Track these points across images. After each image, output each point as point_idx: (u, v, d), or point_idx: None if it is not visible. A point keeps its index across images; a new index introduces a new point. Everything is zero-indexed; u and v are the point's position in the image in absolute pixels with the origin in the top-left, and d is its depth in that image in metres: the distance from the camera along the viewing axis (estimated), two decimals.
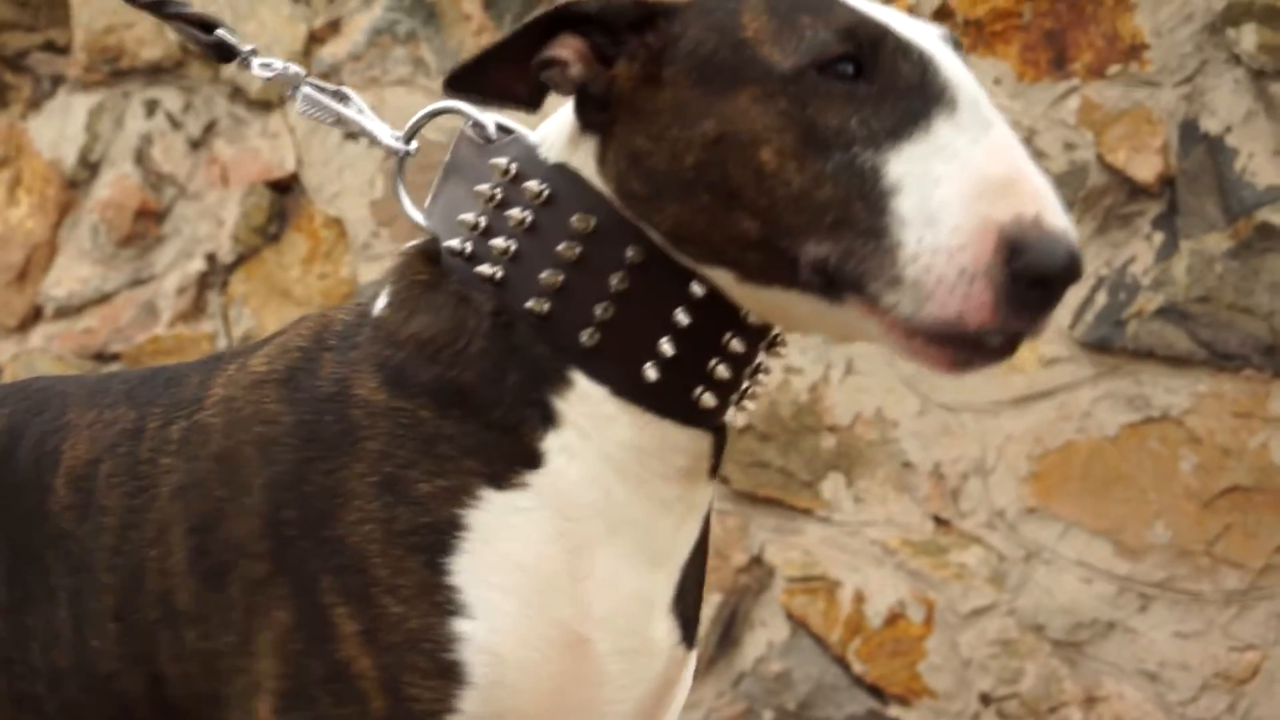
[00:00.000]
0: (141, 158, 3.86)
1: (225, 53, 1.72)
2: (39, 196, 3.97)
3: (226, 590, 1.41)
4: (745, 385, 1.46)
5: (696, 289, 1.39)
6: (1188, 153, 2.86)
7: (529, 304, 1.40)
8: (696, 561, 1.50)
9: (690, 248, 1.38)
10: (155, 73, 3.86)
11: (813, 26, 1.33)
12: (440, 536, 1.37)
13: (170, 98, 3.85)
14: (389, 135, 1.61)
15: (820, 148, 1.30)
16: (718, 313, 1.40)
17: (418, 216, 1.52)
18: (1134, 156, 2.88)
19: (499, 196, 1.43)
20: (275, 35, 3.64)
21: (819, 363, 3.10)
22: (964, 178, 1.27)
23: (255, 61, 1.70)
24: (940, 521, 3.06)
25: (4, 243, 3.99)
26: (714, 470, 1.48)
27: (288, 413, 1.43)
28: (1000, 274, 1.24)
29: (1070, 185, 2.88)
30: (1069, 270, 1.25)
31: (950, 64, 1.34)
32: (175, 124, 3.84)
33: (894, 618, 3.10)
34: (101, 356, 3.88)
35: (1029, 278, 1.24)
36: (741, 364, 1.43)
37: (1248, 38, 2.81)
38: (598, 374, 1.40)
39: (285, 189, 3.73)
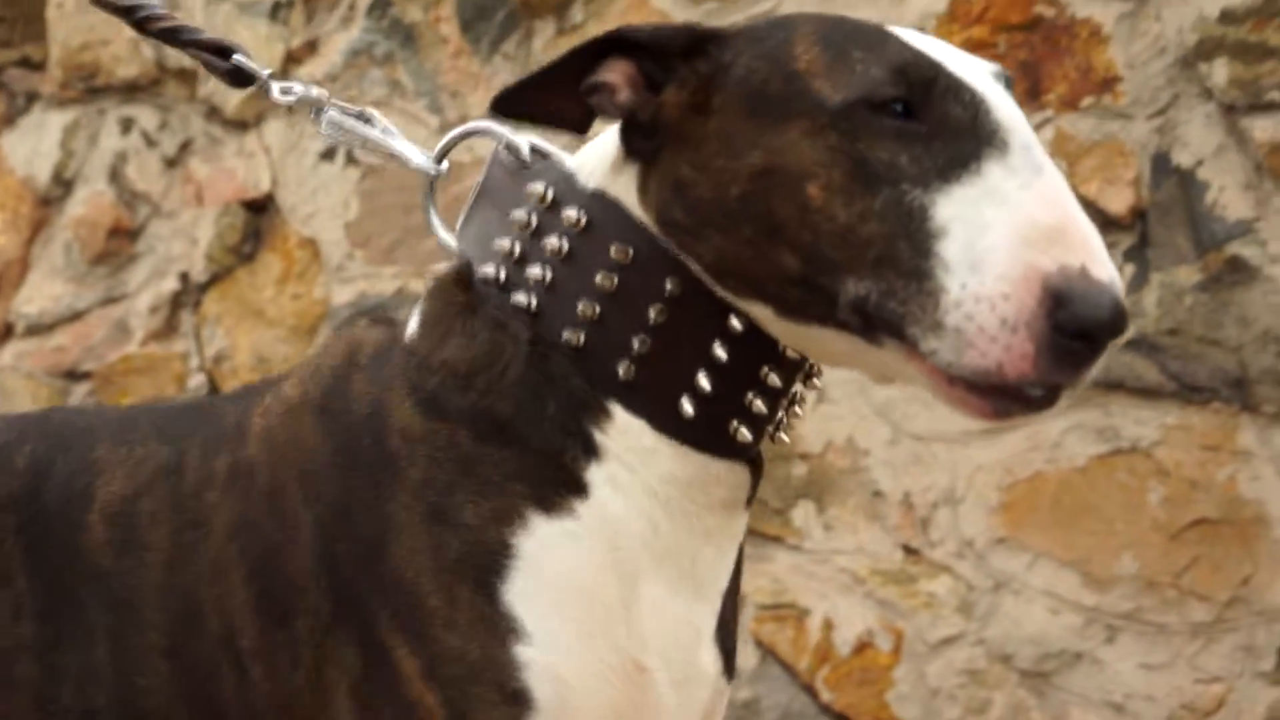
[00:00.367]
0: (116, 175, 3.86)
1: (242, 78, 1.68)
2: (12, 213, 3.97)
3: (293, 628, 1.39)
4: (781, 416, 1.44)
5: (735, 323, 1.37)
6: (1159, 185, 2.88)
7: (565, 335, 1.38)
8: (732, 590, 1.49)
9: (730, 281, 1.35)
10: (131, 90, 3.86)
11: (864, 62, 1.31)
12: (491, 559, 1.35)
13: (146, 116, 3.85)
14: (419, 156, 1.57)
15: (868, 184, 1.28)
16: (755, 346, 1.38)
17: (450, 240, 1.50)
18: (1106, 188, 2.89)
19: (535, 223, 1.41)
20: (252, 55, 3.63)
21: None
22: (1012, 224, 1.24)
23: (275, 86, 1.65)
24: (910, 550, 3.07)
25: None
26: (750, 500, 1.46)
27: (326, 442, 1.41)
28: (1043, 325, 1.21)
29: None
30: (1114, 324, 1.22)
31: (1002, 105, 1.31)
32: (150, 142, 3.83)
33: (862, 646, 3.10)
34: (73, 375, 3.88)
35: (1072, 330, 1.21)
36: (778, 397, 1.41)
37: (1220, 72, 2.83)
38: (635, 407, 1.38)
39: (260, 209, 3.72)
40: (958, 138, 1.28)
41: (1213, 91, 2.84)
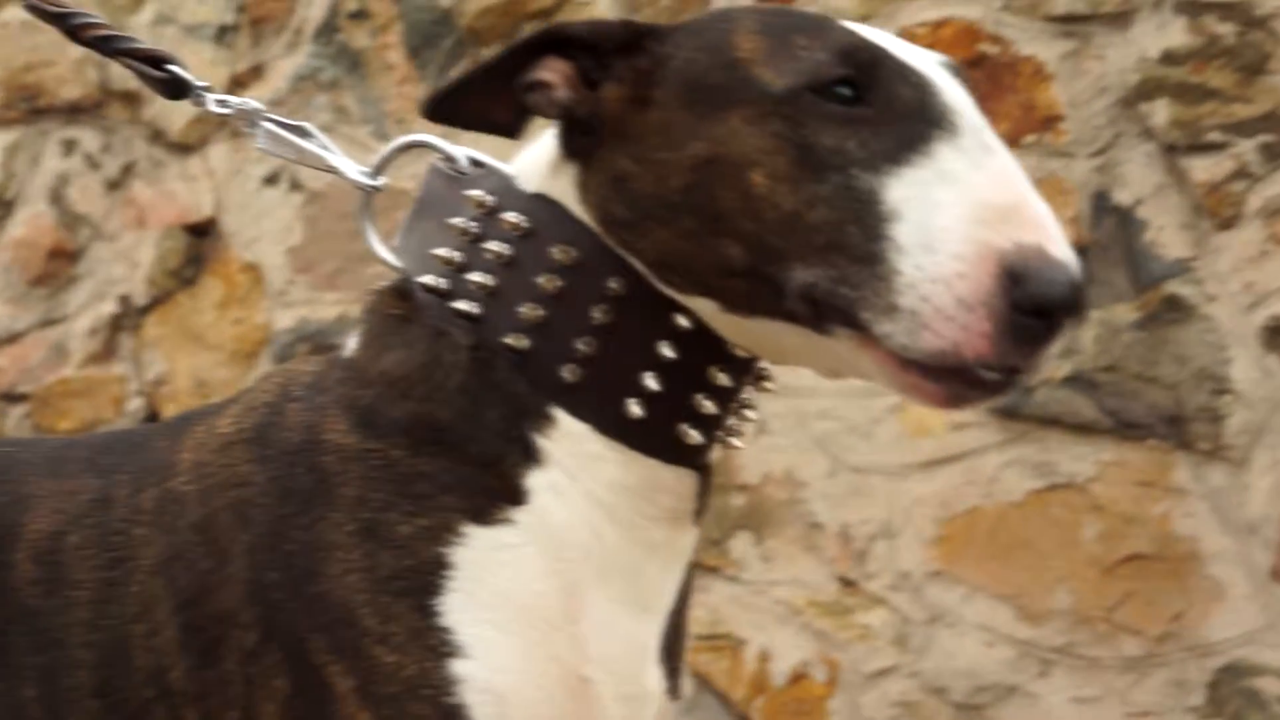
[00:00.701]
0: (57, 197, 3.84)
1: (177, 89, 1.63)
2: None
3: (222, 665, 1.35)
4: (731, 420, 1.41)
5: (681, 321, 1.34)
6: (1099, 223, 2.90)
7: (508, 339, 1.35)
8: (679, 610, 1.45)
9: (674, 276, 1.33)
10: (74, 112, 3.85)
11: (808, 48, 1.28)
12: (426, 577, 1.31)
13: (89, 138, 3.83)
14: (355, 170, 1.53)
15: (815, 169, 1.25)
16: (703, 345, 1.35)
17: (387, 255, 1.46)
18: None
19: (475, 230, 1.38)
20: (198, 78, 3.63)
21: None
22: (965, 204, 1.22)
23: (210, 98, 1.61)
24: (846, 582, 3.07)
25: None
26: (699, 513, 1.42)
27: (259, 472, 1.37)
28: (1001, 304, 1.19)
29: None
30: (1071, 301, 1.20)
31: (951, 89, 1.29)
32: (93, 164, 3.82)
33: (798, 677, 3.10)
34: (10, 397, 3.85)
35: (1030, 308, 1.19)
36: (727, 398, 1.38)
37: (1160, 112, 2.86)
38: (580, 411, 1.35)
39: (202, 233, 3.70)
40: (906, 120, 1.26)
41: (1153, 131, 2.87)
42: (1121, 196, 2.89)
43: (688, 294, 1.34)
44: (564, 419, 1.35)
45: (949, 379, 1.23)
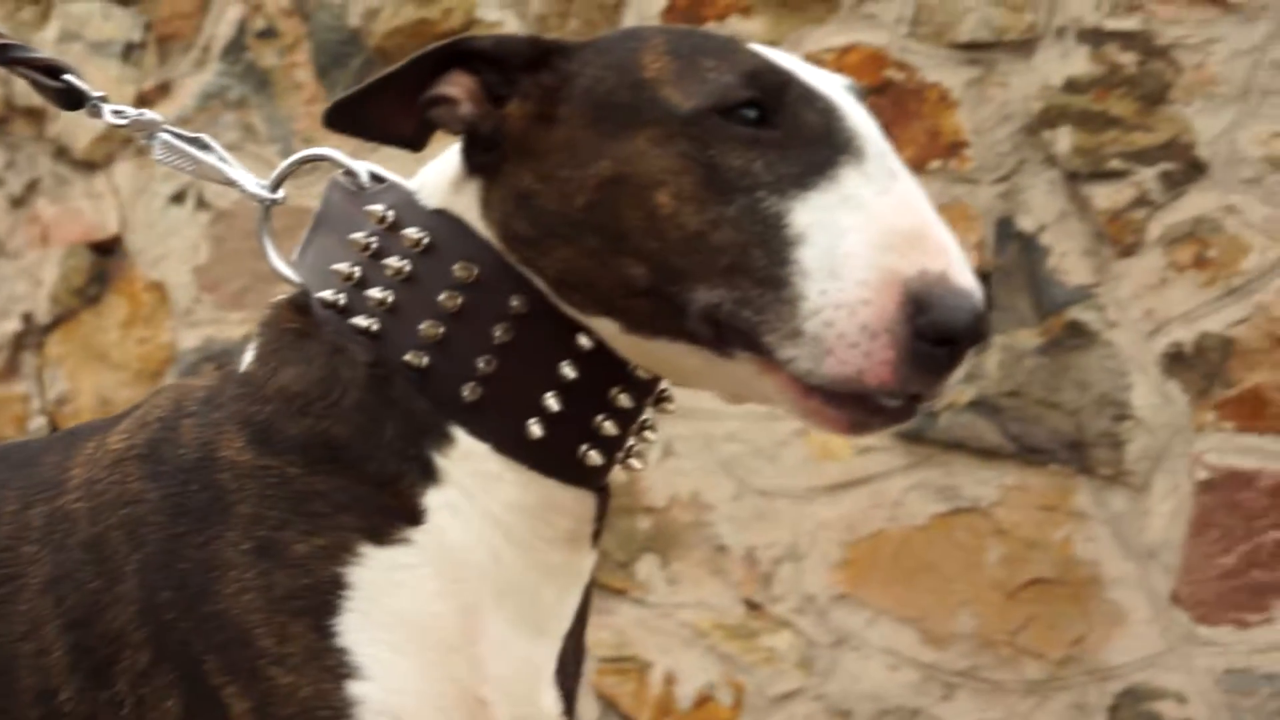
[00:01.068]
0: None
1: (74, 100, 1.61)
2: None
3: (113, 686, 1.32)
4: (631, 442, 1.40)
5: (583, 341, 1.33)
6: (1003, 249, 2.91)
7: (407, 357, 1.33)
8: (577, 632, 1.44)
9: (575, 295, 1.32)
10: None
11: (716, 70, 1.28)
12: (323, 597, 1.29)
13: None
14: (253, 183, 1.50)
15: (721, 190, 1.25)
16: (605, 366, 1.34)
17: (285, 269, 1.43)
18: None
19: (375, 245, 1.35)
20: (99, 91, 3.60)
21: None
22: (870, 230, 1.21)
23: (106, 109, 1.59)
24: (752, 605, 3.07)
25: None
26: (597, 536, 1.41)
27: (152, 489, 1.34)
28: (904, 331, 1.19)
29: None
30: (974, 329, 1.19)
31: (857, 113, 1.29)
32: None
33: (703, 700, 3.10)
34: None
35: (933, 336, 1.19)
36: (628, 420, 1.37)
37: (1063, 140, 2.87)
38: (480, 430, 1.33)
39: (107, 251, 3.67)
40: (812, 145, 1.26)
41: (1056, 159, 2.88)
42: (1025, 223, 2.91)
43: (589, 313, 1.32)
44: (463, 438, 1.34)
45: (851, 405, 1.23)
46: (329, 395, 1.34)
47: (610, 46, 1.35)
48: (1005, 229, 2.92)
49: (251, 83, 3.53)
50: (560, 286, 1.32)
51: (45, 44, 3.72)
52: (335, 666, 1.28)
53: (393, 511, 1.32)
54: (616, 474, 1.42)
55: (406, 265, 1.35)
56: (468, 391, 1.33)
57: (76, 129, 3.67)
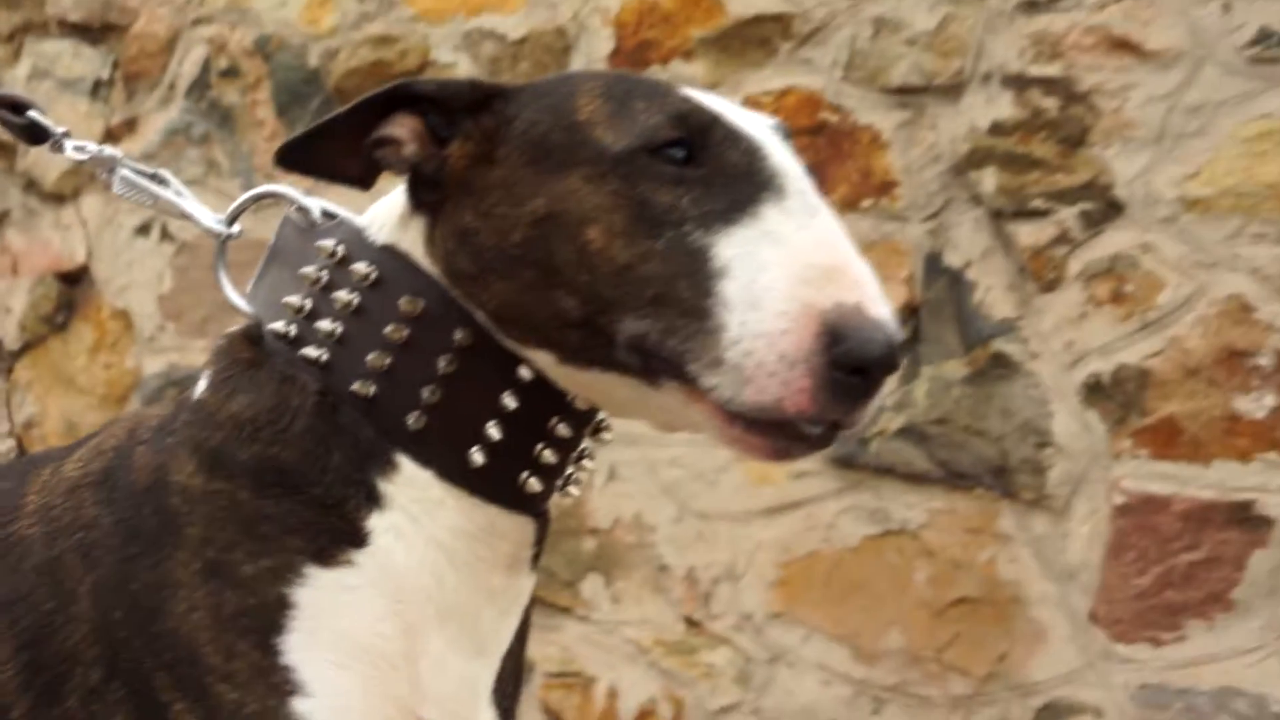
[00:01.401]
0: None
1: (37, 135, 1.61)
2: None
3: (65, 703, 1.32)
4: (570, 470, 1.41)
5: (524, 373, 1.33)
6: (931, 284, 2.92)
7: (355, 386, 1.34)
8: (516, 652, 1.44)
9: (513, 328, 1.32)
10: None
11: (646, 111, 1.29)
12: (270, 616, 1.29)
13: None
14: (210, 218, 1.51)
15: (650, 225, 1.26)
16: (544, 397, 1.34)
17: (239, 301, 1.43)
18: (882, 286, 2.92)
19: (325, 279, 1.36)
20: (71, 130, 3.57)
21: None
22: (790, 264, 1.22)
23: (69, 144, 1.59)
24: (692, 623, 3.07)
25: None
26: (536, 559, 1.42)
27: (106, 514, 1.34)
28: (820, 361, 1.19)
29: None
30: (888, 359, 1.20)
31: (779, 152, 1.30)
32: None
33: (645, 714, 3.09)
34: None
35: (849, 365, 1.19)
36: (567, 449, 1.38)
37: (988, 180, 2.89)
38: (424, 458, 1.34)
39: (75, 280, 3.65)
40: (736, 182, 1.27)
41: (982, 198, 2.90)
42: (952, 259, 2.92)
43: (527, 346, 1.33)
44: (407, 465, 1.34)
45: (773, 432, 1.24)
46: (279, 422, 1.34)
47: (547, 90, 1.36)
48: (934, 265, 2.92)
49: (215, 119, 3.53)
50: (499, 319, 1.33)
51: (17, 81, 3.70)
52: (280, 684, 1.28)
53: (338, 534, 1.32)
54: (556, 500, 1.42)
55: (355, 298, 1.35)
56: (413, 420, 1.34)
57: (46, 163, 3.65)
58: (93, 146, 1.58)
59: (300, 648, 1.29)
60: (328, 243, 1.38)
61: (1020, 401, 2.85)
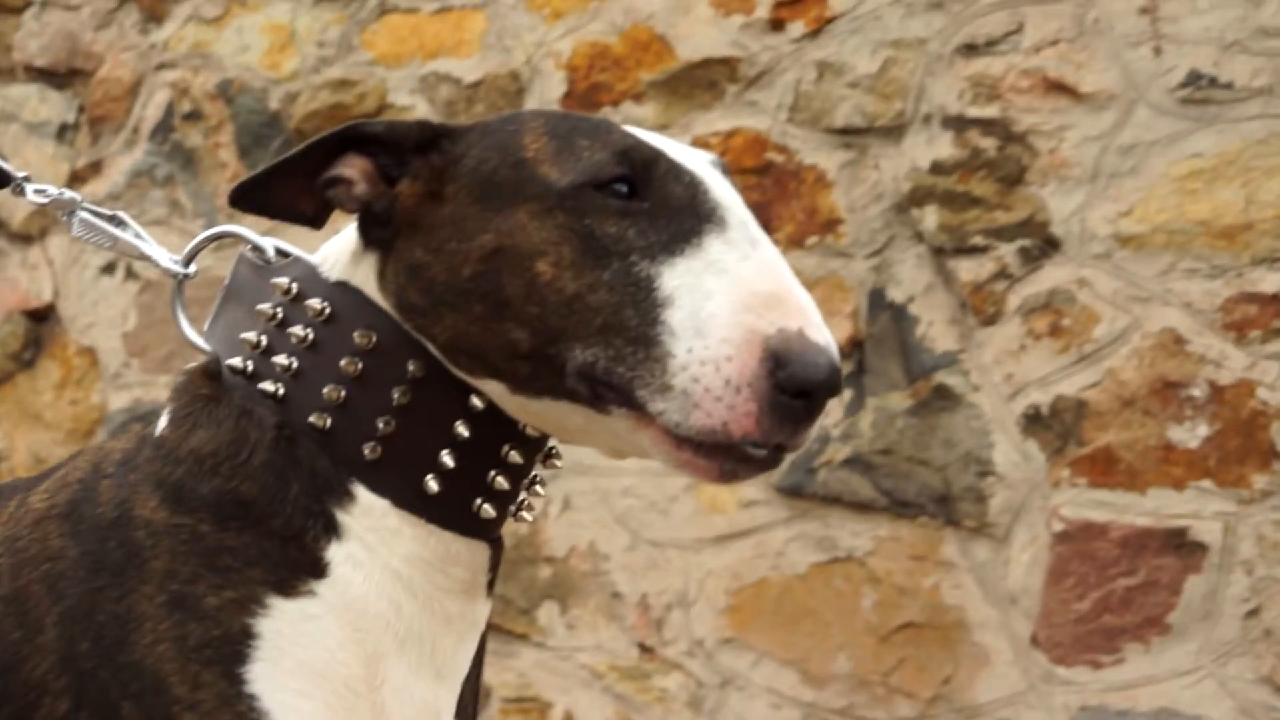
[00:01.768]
0: None
1: None
2: None
3: None
4: (522, 496, 1.41)
5: (476, 402, 1.33)
6: (875, 319, 2.93)
7: (311, 419, 1.33)
8: (473, 678, 1.43)
9: (464, 359, 1.32)
10: None
11: (590, 148, 1.30)
12: (234, 647, 1.28)
13: None
14: (167, 259, 1.50)
15: (597, 256, 1.27)
16: (496, 425, 1.34)
17: (196, 339, 1.43)
18: (827, 320, 2.90)
19: (280, 315, 1.36)
20: (38, 173, 3.57)
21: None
22: (733, 292, 1.23)
23: (29, 188, 1.58)
24: (645, 649, 3.06)
25: None
26: (491, 585, 1.41)
27: (72, 546, 1.33)
28: (765, 385, 1.20)
29: None
30: (829, 382, 1.21)
31: (720, 186, 1.31)
32: None
33: None
34: None
35: (792, 389, 1.20)
36: (519, 475, 1.37)
37: (930, 218, 2.90)
38: (380, 487, 1.33)
39: (41, 318, 3.63)
40: (679, 215, 1.28)
41: (923, 235, 2.90)
42: (895, 294, 2.92)
43: (478, 376, 1.33)
44: (364, 495, 1.34)
45: (720, 455, 1.24)
46: (238, 455, 1.34)
47: (494, 129, 1.37)
48: (877, 300, 2.93)
49: (178, 161, 3.51)
50: (451, 351, 1.33)
51: None
52: (245, 712, 1.27)
53: (299, 565, 1.31)
54: (511, 526, 1.42)
55: (310, 333, 1.35)
56: (369, 450, 1.33)
57: (13, 205, 3.63)
58: (53, 190, 1.57)
59: (264, 677, 1.28)
60: (282, 280, 1.38)
61: (962, 432, 2.85)
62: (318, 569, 1.32)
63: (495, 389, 1.33)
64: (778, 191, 2.98)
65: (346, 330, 1.35)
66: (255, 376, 1.37)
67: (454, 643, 1.38)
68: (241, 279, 1.42)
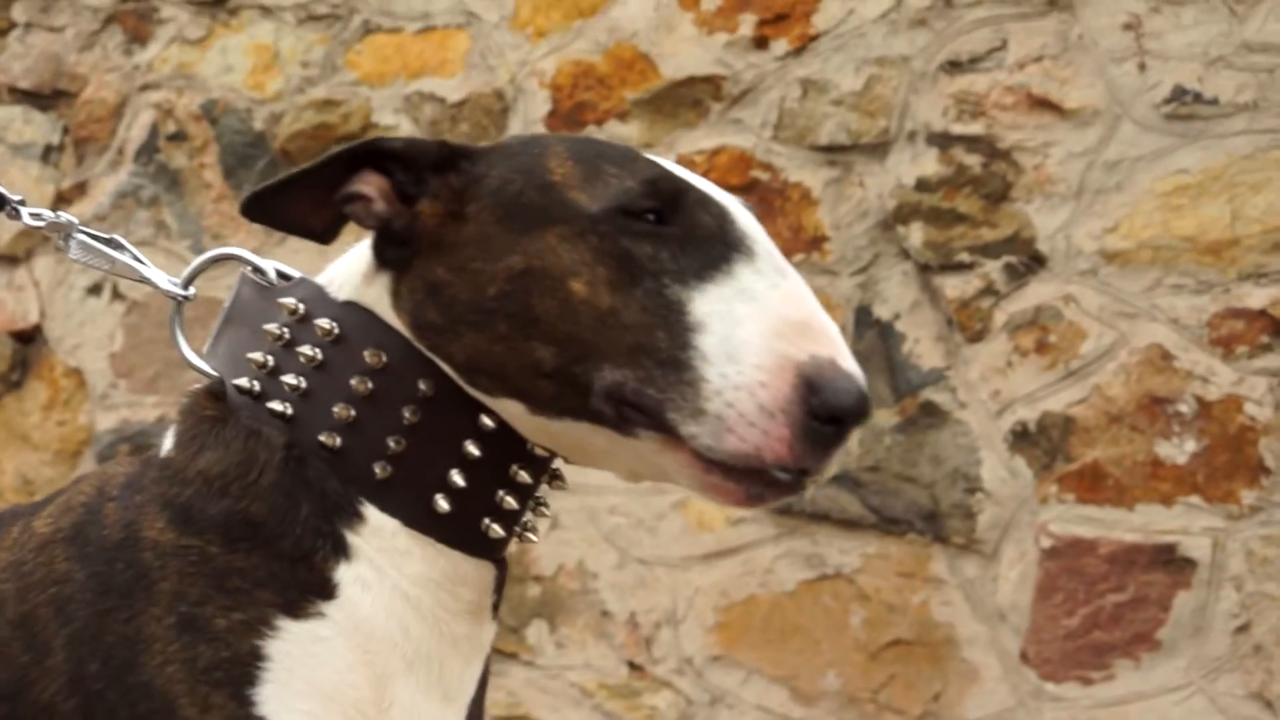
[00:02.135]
0: None
1: None
2: None
3: None
4: (527, 516, 1.39)
5: (487, 421, 1.32)
6: (862, 336, 2.91)
7: (321, 437, 1.32)
8: (478, 700, 1.42)
9: (484, 379, 1.31)
10: None
11: (618, 175, 1.30)
12: (243, 669, 1.27)
13: None
14: (166, 281, 1.49)
15: (632, 275, 1.27)
16: (506, 444, 1.33)
17: (198, 361, 1.41)
18: None
19: (288, 335, 1.35)
20: (23, 194, 3.53)
21: None
22: (765, 319, 1.23)
23: (25, 211, 1.57)
24: (634, 667, 3.04)
25: None
26: (496, 608, 1.40)
27: (79, 569, 1.31)
28: (798, 410, 1.21)
29: None
30: (860, 409, 1.22)
31: (744, 217, 1.32)
32: None
33: None
34: None
35: (824, 415, 1.21)
36: (527, 495, 1.36)
37: (915, 235, 2.88)
38: (389, 506, 1.32)
39: (28, 339, 3.61)
40: (708, 243, 1.28)
41: (909, 252, 2.89)
42: (882, 311, 2.91)
43: (497, 396, 1.32)
44: (374, 515, 1.32)
45: (748, 479, 1.24)
46: (247, 476, 1.32)
47: (515, 151, 1.36)
48: (864, 317, 2.91)
49: (163, 182, 3.49)
50: (469, 370, 1.32)
51: None
52: None
53: (307, 586, 1.30)
54: (510, 546, 1.40)
55: (318, 353, 1.34)
56: (379, 469, 1.32)
57: None
58: (48, 214, 1.55)
59: (274, 699, 1.27)
60: (289, 300, 1.36)
61: (949, 449, 2.84)
62: (326, 590, 1.31)
63: (513, 409, 1.32)
64: (763, 209, 2.96)
65: (356, 350, 1.33)
66: (263, 396, 1.35)
67: (461, 665, 1.37)
68: (244, 300, 1.40)
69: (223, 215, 3.39)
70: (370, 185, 1.36)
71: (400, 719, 1.32)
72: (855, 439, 2.87)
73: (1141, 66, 2.76)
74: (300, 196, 1.37)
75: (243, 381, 1.36)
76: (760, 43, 3.00)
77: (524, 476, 1.35)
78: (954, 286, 2.85)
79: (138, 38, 3.54)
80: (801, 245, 2.95)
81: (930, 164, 2.87)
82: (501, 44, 3.21)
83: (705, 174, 2.99)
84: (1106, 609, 2.74)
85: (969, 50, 2.86)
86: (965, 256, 2.84)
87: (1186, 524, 2.70)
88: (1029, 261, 2.81)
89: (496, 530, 1.34)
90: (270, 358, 1.35)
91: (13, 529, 1.39)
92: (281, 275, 1.41)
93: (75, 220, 1.54)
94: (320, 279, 1.39)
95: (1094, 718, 2.74)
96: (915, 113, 2.89)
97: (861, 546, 2.89)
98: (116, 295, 3.52)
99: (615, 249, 1.28)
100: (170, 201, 3.47)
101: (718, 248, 1.28)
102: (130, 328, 3.49)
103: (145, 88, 3.53)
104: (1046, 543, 2.78)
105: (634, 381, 1.25)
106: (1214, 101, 2.72)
